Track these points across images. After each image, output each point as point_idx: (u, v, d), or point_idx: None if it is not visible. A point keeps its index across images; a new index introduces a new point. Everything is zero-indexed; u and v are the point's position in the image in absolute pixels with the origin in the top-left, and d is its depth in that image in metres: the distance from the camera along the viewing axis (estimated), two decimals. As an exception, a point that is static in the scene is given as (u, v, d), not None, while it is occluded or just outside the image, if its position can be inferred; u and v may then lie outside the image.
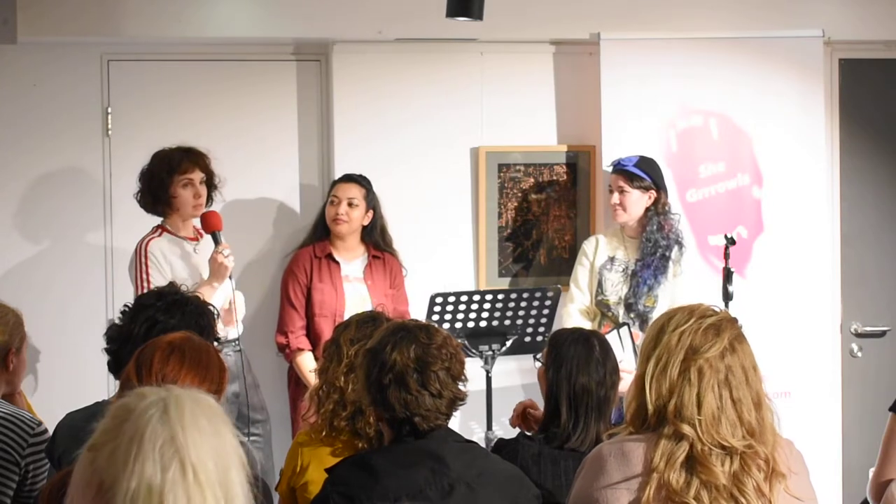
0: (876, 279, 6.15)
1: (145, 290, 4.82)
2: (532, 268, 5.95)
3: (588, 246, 5.57)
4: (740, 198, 5.82)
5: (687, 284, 5.41)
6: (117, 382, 3.53)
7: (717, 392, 2.57)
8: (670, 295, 5.33)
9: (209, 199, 5.19)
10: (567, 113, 5.94)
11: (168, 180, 5.06)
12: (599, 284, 5.48)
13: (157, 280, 4.88)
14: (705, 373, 2.57)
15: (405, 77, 5.86)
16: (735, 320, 2.70)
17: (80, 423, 3.40)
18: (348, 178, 5.48)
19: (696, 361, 2.58)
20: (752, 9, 5.89)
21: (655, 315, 5.26)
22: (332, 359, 3.56)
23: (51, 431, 3.57)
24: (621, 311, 5.40)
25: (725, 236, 5.23)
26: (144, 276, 4.96)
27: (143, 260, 4.99)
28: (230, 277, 4.94)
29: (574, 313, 5.46)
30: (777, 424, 2.66)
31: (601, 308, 5.46)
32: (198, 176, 5.11)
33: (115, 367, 3.48)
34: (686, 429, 2.55)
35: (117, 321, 3.56)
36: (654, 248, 5.39)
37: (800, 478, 2.67)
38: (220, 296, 4.96)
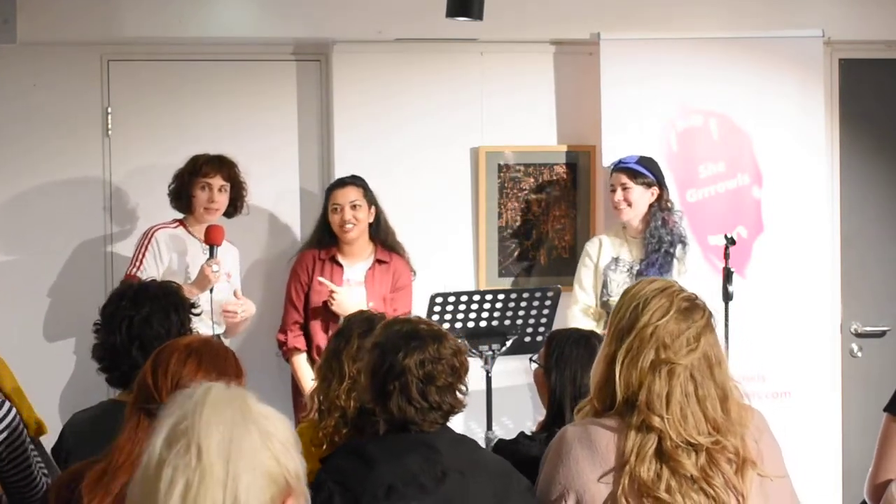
0: (876, 279, 6.15)
1: (136, 269, 5.17)
2: (532, 268, 5.95)
3: (591, 247, 5.56)
4: (740, 198, 5.82)
5: (692, 283, 5.37)
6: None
7: (683, 388, 2.61)
8: None
9: (235, 208, 5.38)
10: (567, 113, 5.94)
11: (189, 181, 5.29)
12: (604, 285, 5.47)
13: (149, 265, 5.18)
14: (674, 370, 2.62)
15: (405, 77, 5.86)
16: (708, 312, 2.72)
17: (86, 424, 3.42)
18: (343, 183, 5.43)
19: (667, 356, 2.62)
20: (753, 9, 5.89)
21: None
22: (333, 373, 3.51)
23: (55, 431, 3.58)
24: None
25: (725, 236, 5.23)
26: (140, 257, 5.24)
27: (144, 243, 5.28)
28: (210, 290, 5.08)
29: (579, 314, 5.45)
30: (746, 400, 2.71)
31: (607, 309, 5.46)
32: (217, 182, 5.29)
33: (117, 380, 3.47)
34: (656, 421, 2.59)
35: (95, 339, 3.54)
36: (658, 244, 5.39)
37: (767, 448, 2.71)
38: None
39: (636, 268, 5.43)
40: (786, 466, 2.78)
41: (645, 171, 5.42)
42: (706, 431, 2.61)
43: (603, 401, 2.68)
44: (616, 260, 5.49)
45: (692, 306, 2.70)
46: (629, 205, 5.43)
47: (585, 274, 5.53)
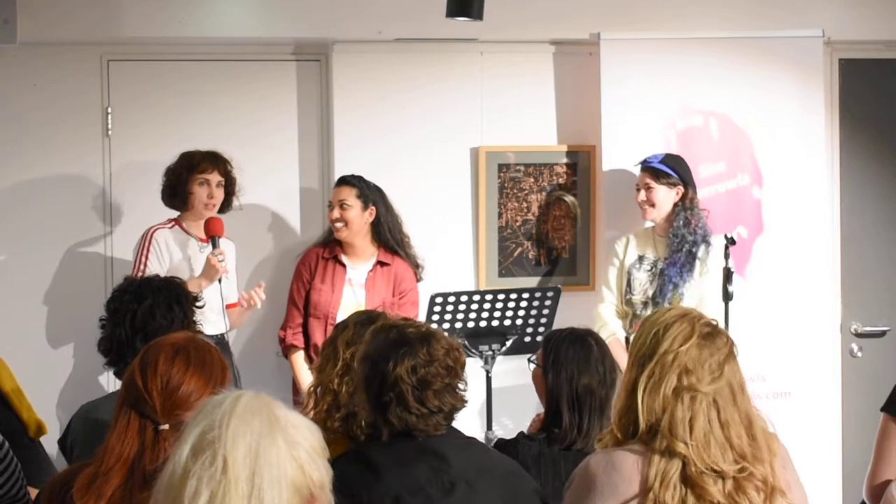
0: (876, 279, 6.15)
1: (141, 273, 5.10)
2: (532, 268, 5.95)
3: (619, 246, 5.55)
4: (740, 198, 5.82)
5: (714, 284, 5.35)
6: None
7: (706, 415, 2.58)
8: (697, 294, 5.32)
9: (228, 204, 5.37)
10: (567, 113, 5.94)
11: (186, 177, 5.28)
12: (628, 284, 5.46)
13: (154, 267, 5.17)
14: (696, 396, 2.58)
15: (405, 77, 5.86)
16: (730, 340, 2.69)
17: (92, 413, 3.45)
18: (340, 181, 5.47)
19: (690, 383, 2.59)
20: (752, 9, 5.89)
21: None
22: (328, 359, 3.54)
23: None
24: (649, 310, 5.38)
25: (725, 236, 5.22)
26: (143, 259, 5.23)
27: (146, 245, 5.27)
28: (219, 281, 5.09)
29: (604, 314, 5.45)
30: (772, 428, 2.67)
31: (630, 307, 5.45)
32: (215, 178, 5.30)
33: (123, 372, 3.51)
34: (680, 447, 2.55)
35: (101, 334, 3.61)
36: (680, 243, 5.37)
37: (792, 479, 2.69)
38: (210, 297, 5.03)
39: (659, 266, 5.42)
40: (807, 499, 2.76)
41: (669, 170, 5.40)
42: (732, 459, 2.57)
43: (625, 429, 2.64)
44: (641, 258, 5.48)
45: (714, 332, 2.66)
46: (652, 205, 5.41)
47: (612, 273, 5.53)
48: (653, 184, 5.40)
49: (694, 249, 5.38)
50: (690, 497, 2.55)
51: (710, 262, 5.38)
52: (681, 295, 5.33)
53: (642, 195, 5.43)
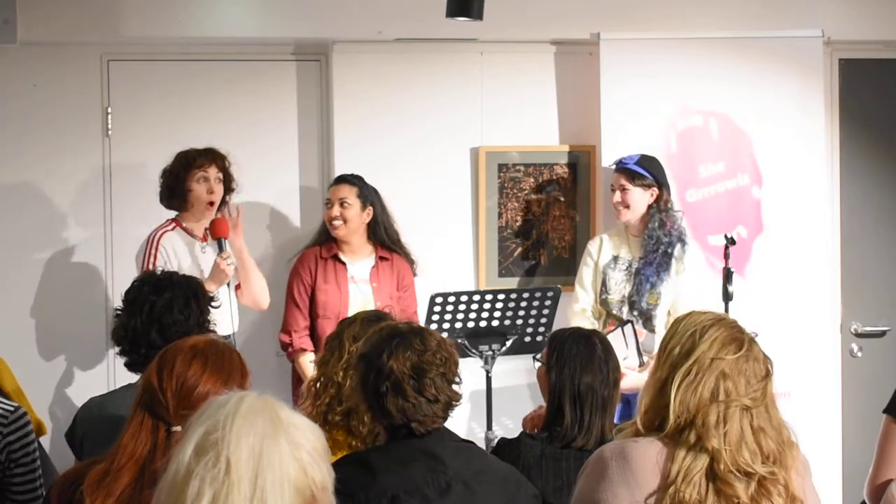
0: (876, 279, 6.15)
1: None
2: (532, 268, 5.95)
3: (592, 246, 5.56)
4: (740, 198, 5.82)
5: (690, 282, 5.39)
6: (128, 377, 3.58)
7: (740, 421, 2.58)
8: (673, 292, 5.33)
9: (224, 201, 5.31)
10: (567, 113, 5.94)
11: (184, 174, 5.21)
12: (603, 283, 5.47)
13: None
14: (732, 403, 2.58)
15: (405, 77, 5.86)
16: (767, 357, 2.68)
17: (99, 407, 3.46)
18: (339, 179, 5.47)
19: (726, 388, 2.58)
20: (752, 9, 5.89)
21: (658, 313, 5.27)
22: (333, 352, 3.55)
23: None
24: (625, 309, 5.39)
25: (725, 236, 5.22)
26: (151, 266, 5.07)
27: (152, 251, 5.14)
28: (227, 284, 5.07)
29: (579, 313, 5.45)
30: (794, 438, 2.68)
31: (605, 307, 5.46)
32: (213, 173, 5.23)
33: (135, 363, 3.57)
34: (713, 441, 2.55)
35: (116, 323, 3.64)
36: (656, 245, 5.38)
37: (810, 491, 2.69)
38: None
39: (635, 266, 5.43)
40: None
41: (644, 171, 5.41)
42: (761, 462, 2.57)
43: (650, 423, 2.63)
44: (616, 258, 5.49)
45: (751, 343, 2.66)
46: (627, 207, 5.42)
47: (586, 273, 5.53)
48: (628, 185, 5.41)
49: (669, 250, 5.39)
50: (711, 495, 2.54)
51: (687, 261, 5.41)
52: (658, 294, 5.34)
53: (617, 196, 5.44)
